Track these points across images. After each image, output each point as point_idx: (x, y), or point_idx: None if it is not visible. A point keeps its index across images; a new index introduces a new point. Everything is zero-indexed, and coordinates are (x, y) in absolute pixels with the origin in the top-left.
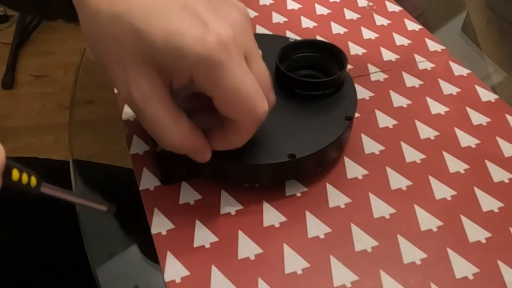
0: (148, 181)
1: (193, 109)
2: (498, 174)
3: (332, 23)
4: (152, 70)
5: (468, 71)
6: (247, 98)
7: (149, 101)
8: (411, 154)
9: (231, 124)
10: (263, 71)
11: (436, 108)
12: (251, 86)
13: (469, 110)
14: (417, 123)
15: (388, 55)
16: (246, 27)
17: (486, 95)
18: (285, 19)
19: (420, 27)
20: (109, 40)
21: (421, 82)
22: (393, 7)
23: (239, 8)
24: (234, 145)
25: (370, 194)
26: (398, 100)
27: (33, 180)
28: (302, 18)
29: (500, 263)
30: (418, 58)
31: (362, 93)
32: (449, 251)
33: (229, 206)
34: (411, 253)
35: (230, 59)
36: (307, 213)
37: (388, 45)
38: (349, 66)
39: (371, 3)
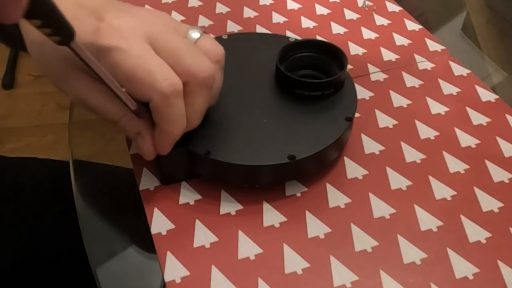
0: (148, 181)
1: None
2: (498, 174)
3: (332, 23)
4: (79, 72)
5: (468, 71)
6: (145, 73)
7: (90, 96)
8: (411, 154)
9: (152, 109)
10: (174, 47)
11: (436, 108)
12: (147, 62)
13: (469, 110)
14: (417, 123)
15: (388, 55)
16: (151, 18)
17: (486, 95)
18: (285, 19)
19: (420, 27)
20: (43, 63)
21: (421, 82)
22: (393, 7)
23: (145, 11)
24: (165, 131)
25: (370, 194)
26: (398, 100)
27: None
28: (302, 18)
29: (500, 263)
30: (418, 58)
31: (362, 93)
32: (449, 251)
33: (229, 206)
34: (411, 253)
35: (121, 42)
36: (307, 213)
37: (388, 45)
38: (349, 66)
39: (368, 3)
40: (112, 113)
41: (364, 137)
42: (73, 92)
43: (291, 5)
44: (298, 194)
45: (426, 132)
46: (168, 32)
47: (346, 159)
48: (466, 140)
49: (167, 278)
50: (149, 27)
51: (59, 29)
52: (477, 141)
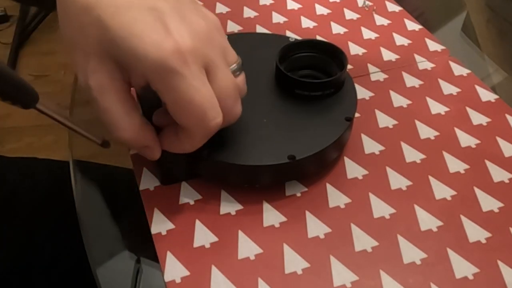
0: (148, 181)
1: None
2: (498, 174)
3: (332, 23)
4: (112, 63)
5: (468, 71)
6: (198, 109)
7: (104, 92)
8: (411, 154)
9: (184, 129)
10: (225, 84)
11: (436, 108)
12: (204, 97)
13: (469, 110)
14: (417, 123)
15: (388, 55)
16: (212, 38)
17: (486, 95)
18: (285, 19)
19: (420, 27)
20: (77, 27)
21: (421, 82)
22: (393, 7)
23: (209, 18)
24: (185, 149)
25: (370, 194)
26: (398, 100)
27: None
28: (302, 18)
29: (500, 263)
30: (418, 58)
31: (362, 93)
32: (449, 251)
33: (229, 206)
34: (411, 253)
35: (184, 69)
36: (307, 213)
37: (388, 45)
38: (349, 66)
39: (368, 3)
40: (124, 129)
41: (364, 137)
42: (91, 75)
43: (291, 5)
44: (298, 194)
45: (426, 132)
46: (222, 63)
47: (346, 159)
48: (466, 140)
49: (167, 278)
50: (207, 52)
51: (21, 99)
52: (477, 141)
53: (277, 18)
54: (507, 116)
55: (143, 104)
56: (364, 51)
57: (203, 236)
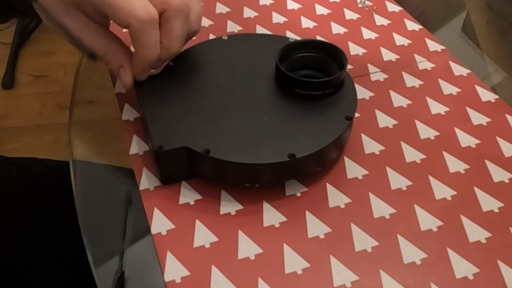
0: (148, 181)
1: None
2: (498, 174)
3: (332, 23)
4: (78, 10)
5: (468, 71)
6: (125, 3)
7: (84, 32)
8: (411, 154)
9: (131, 36)
10: None
11: (436, 108)
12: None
13: (469, 110)
14: (417, 123)
15: (388, 55)
16: None
17: (486, 95)
18: (285, 19)
19: (420, 27)
20: None
21: (421, 82)
22: (393, 7)
23: None
24: (141, 57)
25: (370, 194)
26: (398, 100)
27: None
28: (302, 18)
29: (500, 263)
30: (418, 58)
31: (362, 93)
32: (449, 251)
33: (229, 206)
34: (411, 253)
35: None
36: (307, 213)
37: (388, 45)
38: (349, 66)
39: (368, 3)
40: (98, 49)
41: (364, 137)
42: (73, 27)
43: (291, 5)
44: (298, 194)
45: (426, 132)
46: None
47: (346, 159)
48: (466, 140)
49: (167, 278)
50: None
51: None
52: (477, 141)
53: (277, 18)
54: (507, 116)
55: (142, 103)
56: (364, 51)
57: (203, 236)
